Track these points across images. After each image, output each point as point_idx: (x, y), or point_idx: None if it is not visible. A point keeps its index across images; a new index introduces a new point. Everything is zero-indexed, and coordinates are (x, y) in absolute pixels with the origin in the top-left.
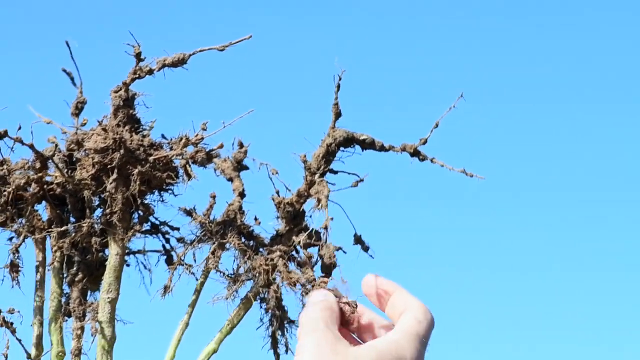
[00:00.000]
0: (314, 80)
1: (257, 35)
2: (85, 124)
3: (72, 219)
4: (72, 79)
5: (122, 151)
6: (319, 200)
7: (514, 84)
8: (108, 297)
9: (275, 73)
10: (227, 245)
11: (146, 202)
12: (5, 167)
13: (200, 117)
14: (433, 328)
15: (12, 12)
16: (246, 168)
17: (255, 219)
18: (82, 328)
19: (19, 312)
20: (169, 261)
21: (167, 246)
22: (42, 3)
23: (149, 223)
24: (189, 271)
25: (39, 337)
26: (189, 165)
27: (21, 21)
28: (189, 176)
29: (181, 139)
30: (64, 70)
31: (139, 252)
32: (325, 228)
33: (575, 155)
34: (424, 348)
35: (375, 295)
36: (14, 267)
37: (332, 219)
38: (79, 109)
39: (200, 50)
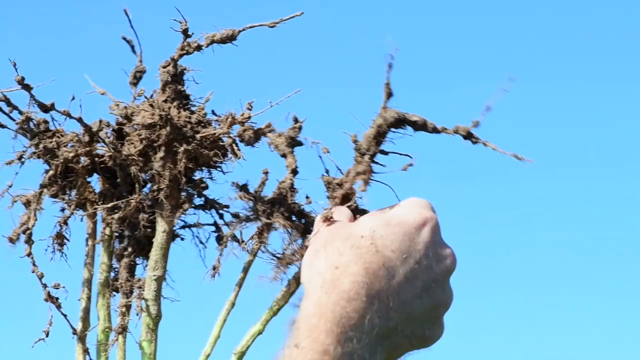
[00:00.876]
0: (367, 57)
1: (308, 12)
2: (142, 94)
3: (123, 193)
4: (132, 47)
5: (168, 128)
6: (365, 181)
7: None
8: (154, 275)
9: (327, 50)
10: (276, 225)
11: (196, 178)
12: (54, 139)
13: (251, 93)
14: (428, 201)
15: None
16: (300, 144)
17: (307, 197)
18: (127, 305)
19: (64, 287)
20: (220, 239)
21: (220, 222)
22: None
23: (203, 198)
24: (243, 247)
25: (86, 312)
26: (236, 145)
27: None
28: (236, 155)
29: (227, 117)
30: (124, 38)
31: (194, 225)
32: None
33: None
34: (430, 211)
35: None
36: (59, 239)
37: (360, 198)
38: (137, 78)
39: (250, 27)
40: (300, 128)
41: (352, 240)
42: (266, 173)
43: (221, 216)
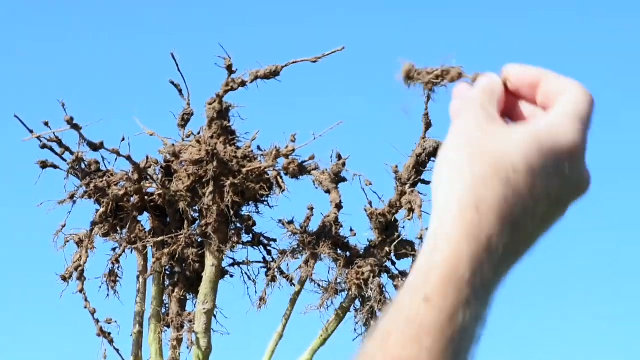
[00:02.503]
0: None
1: (349, 46)
2: (189, 135)
3: (172, 230)
4: (179, 90)
5: (215, 163)
6: (410, 211)
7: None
8: (204, 308)
9: (368, 84)
10: (322, 256)
11: (244, 214)
12: (105, 179)
13: (296, 126)
14: (594, 107)
15: (119, 26)
16: (344, 180)
17: (351, 230)
18: (179, 339)
19: (116, 322)
20: (268, 272)
21: (268, 258)
22: (147, 17)
23: (251, 235)
24: (290, 282)
25: (138, 346)
26: (281, 177)
27: (128, 35)
28: (281, 188)
29: (272, 151)
30: (172, 82)
31: (242, 263)
32: (420, 238)
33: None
34: (587, 129)
35: (526, 87)
36: (112, 276)
37: (427, 229)
38: (185, 120)
39: (293, 62)
40: (344, 164)
41: (500, 173)
42: (311, 209)
43: (269, 252)
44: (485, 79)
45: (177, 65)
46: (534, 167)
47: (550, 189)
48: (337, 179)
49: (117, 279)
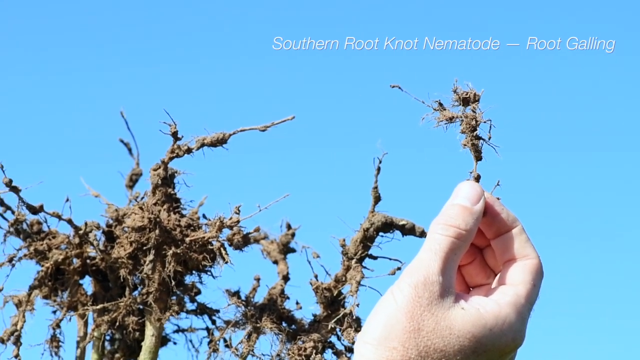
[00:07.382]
0: (358, 161)
1: (299, 115)
2: (137, 197)
3: (114, 296)
4: (129, 149)
5: (157, 231)
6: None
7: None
8: None
9: (318, 153)
10: (264, 330)
11: (187, 283)
12: (45, 242)
13: (243, 196)
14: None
15: (64, 80)
16: (293, 251)
17: (297, 303)
18: None
19: None
20: (210, 342)
21: (212, 327)
22: (95, 72)
23: (195, 303)
24: (233, 352)
25: None
26: (224, 249)
27: (75, 90)
28: (224, 260)
29: (216, 221)
30: (121, 141)
31: (187, 330)
32: (350, 313)
33: None
34: (528, 318)
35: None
36: (54, 342)
37: (357, 305)
38: (133, 181)
39: (241, 130)
40: (293, 235)
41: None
42: (258, 279)
43: (213, 322)
44: (468, 217)
45: (127, 123)
46: None
47: None
48: (286, 249)
49: (60, 344)
